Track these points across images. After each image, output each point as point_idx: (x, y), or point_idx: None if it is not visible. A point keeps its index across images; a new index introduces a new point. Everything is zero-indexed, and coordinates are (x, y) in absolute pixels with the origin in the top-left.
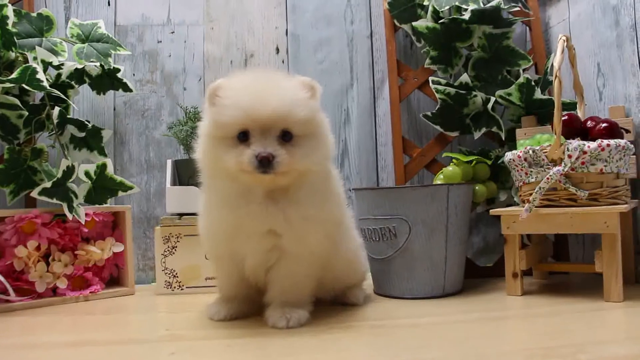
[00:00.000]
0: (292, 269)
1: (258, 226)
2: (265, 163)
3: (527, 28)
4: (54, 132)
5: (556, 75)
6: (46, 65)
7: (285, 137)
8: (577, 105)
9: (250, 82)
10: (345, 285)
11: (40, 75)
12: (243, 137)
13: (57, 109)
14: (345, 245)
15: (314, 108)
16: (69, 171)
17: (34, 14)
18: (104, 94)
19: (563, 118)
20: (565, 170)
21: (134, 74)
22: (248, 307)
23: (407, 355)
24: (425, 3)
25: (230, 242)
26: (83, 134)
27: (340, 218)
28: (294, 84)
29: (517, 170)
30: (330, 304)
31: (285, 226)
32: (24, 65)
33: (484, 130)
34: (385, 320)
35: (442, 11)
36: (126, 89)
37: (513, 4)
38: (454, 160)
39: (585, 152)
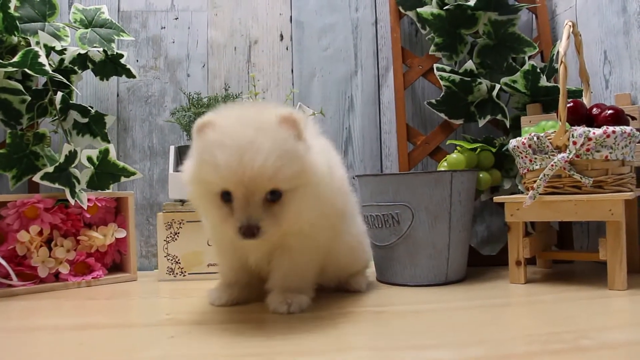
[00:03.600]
0: (294, 258)
1: (259, 244)
2: (249, 235)
3: (534, 15)
4: (56, 117)
5: (561, 61)
6: (49, 50)
7: (273, 197)
8: (583, 93)
9: (231, 133)
10: (348, 273)
11: (43, 59)
12: (226, 197)
13: (60, 94)
14: (348, 233)
15: (303, 156)
16: (72, 156)
17: None
18: (107, 79)
19: (568, 105)
20: (570, 157)
21: (137, 60)
22: (249, 293)
23: (408, 341)
24: None
25: (232, 246)
26: (86, 120)
27: (343, 209)
28: (278, 128)
29: (522, 158)
30: (333, 291)
31: (292, 231)
32: (26, 49)
33: (488, 118)
34: (386, 307)
35: None
36: (129, 75)
37: None
38: (458, 147)
39: (590, 139)
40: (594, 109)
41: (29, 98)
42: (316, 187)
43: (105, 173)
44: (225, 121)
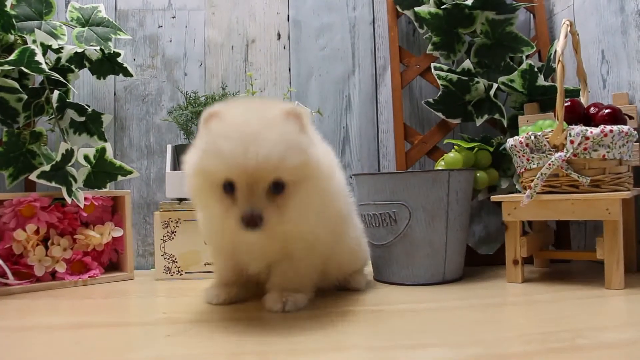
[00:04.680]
0: (295, 264)
1: (257, 251)
2: (252, 225)
3: (531, 15)
4: (53, 116)
5: (559, 60)
6: (45, 48)
7: (276, 189)
8: (581, 92)
9: (235, 124)
10: (347, 273)
11: (39, 57)
12: (229, 188)
13: (56, 93)
14: (348, 236)
15: (306, 148)
16: (68, 155)
17: None
18: (104, 78)
19: (566, 104)
20: (567, 156)
21: (134, 59)
22: (246, 292)
23: (404, 340)
24: None
25: (230, 252)
26: (83, 119)
27: (343, 213)
28: (282, 121)
29: (519, 157)
30: (331, 289)
31: (291, 238)
32: (22, 47)
33: (486, 117)
34: (383, 306)
35: None
36: (126, 73)
37: None
38: (455, 146)
39: (587, 138)
40: (592, 108)
41: (25, 96)
42: (319, 182)
43: (102, 172)
44: (231, 112)
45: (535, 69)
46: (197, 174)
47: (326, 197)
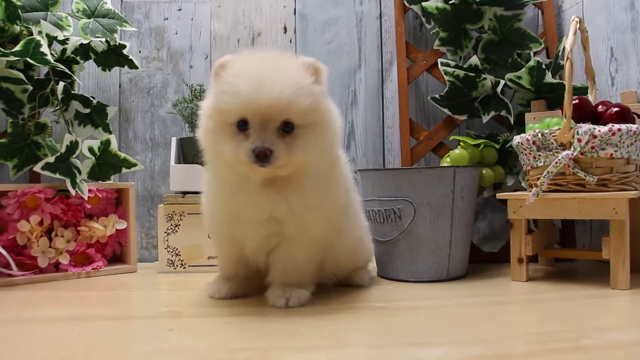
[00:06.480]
0: (293, 253)
1: (258, 213)
2: (262, 157)
3: (540, 11)
4: (58, 107)
5: (567, 57)
6: (51, 39)
7: (287, 127)
8: (589, 90)
9: (251, 67)
10: (349, 270)
11: (45, 49)
12: (242, 125)
13: (61, 84)
14: (350, 231)
15: (318, 95)
16: (73, 146)
17: None
18: (109, 70)
19: (574, 101)
20: (575, 154)
21: (140, 51)
22: (249, 286)
23: (407, 337)
24: None
25: (231, 226)
26: (88, 110)
27: (345, 204)
28: (298, 68)
29: (525, 154)
30: (334, 285)
31: (287, 214)
32: (27, 38)
33: (492, 113)
34: (387, 303)
35: None
36: (132, 65)
37: None
38: (461, 143)
39: (595, 137)
40: (600, 107)
41: (30, 88)
42: (328, 128)
43: (107, 164)
44: (245, 59)
45: (543, 66)
46: (212, 114)
47: (331, 142)
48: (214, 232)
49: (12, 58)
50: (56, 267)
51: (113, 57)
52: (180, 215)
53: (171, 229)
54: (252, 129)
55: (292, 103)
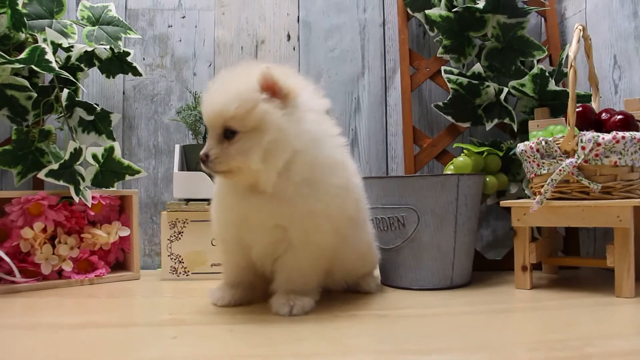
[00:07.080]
0: (298, 261)
1: (264, 219)
2: (204, 162)
3: (543, 19)
4: (62, 114)
5: (571, 65)
6: (56, 47)
7: (228, 134)
8: (592, 98)
9: (213, 81)
10: (356, 276)
11: (49, 56)
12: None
13: (66, 91)
14: (359, 240)
15: (259, 102)
16: (77, 153)
17: None
18: (113, 77)
19: (577, 109)
20: (578, 162)
21: (143, 58)
22: (252, 294)
23: (411, 345)
24: None
25: (237, 231)
26: (92, 117)
27: (353, 213)
28: (246, 80)
29: (529, 162)
30: (339, 292)
31: (291, 221)
32: (32, 46)
33: (496, 121)
34: (390, 310)
35: (456, 0)
36: (136, 73)
37: None
38: (464, 150)
39: (599, 144)
40: (603, 114)
41: (35, 95)
42: (271, 135)
43: (110, 171)
44: (219, 73)
45: (547, 74)
46: None
47: (340, 176)
48: (221, 237)
49: (17, 65)
50: (59, 274)
51: (117, 64)
52: (184, 223)
53: (174, 236)
54: (208, 136)
55: (226, 110)
